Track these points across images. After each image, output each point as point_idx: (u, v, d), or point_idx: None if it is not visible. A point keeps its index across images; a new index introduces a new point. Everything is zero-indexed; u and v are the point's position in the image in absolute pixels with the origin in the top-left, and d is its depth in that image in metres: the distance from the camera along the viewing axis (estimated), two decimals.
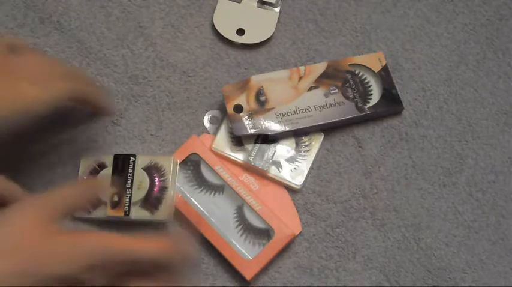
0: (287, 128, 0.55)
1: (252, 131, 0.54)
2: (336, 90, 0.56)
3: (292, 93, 0.56)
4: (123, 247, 0.40)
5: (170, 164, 0.53)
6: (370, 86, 0.57)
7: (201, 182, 0.55)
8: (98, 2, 0.60)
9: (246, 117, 0.54)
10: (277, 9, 0.61)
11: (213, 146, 0.55)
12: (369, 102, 0.57)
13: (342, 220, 0.55)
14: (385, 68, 0.58)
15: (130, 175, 0.52)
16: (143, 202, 0.52)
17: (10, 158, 0.54)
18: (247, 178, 0.55)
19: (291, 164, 0.55)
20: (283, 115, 0.55)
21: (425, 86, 0.60)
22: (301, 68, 0.58)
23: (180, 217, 0.53)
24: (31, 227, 0.39)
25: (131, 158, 0.53)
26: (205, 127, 0.57)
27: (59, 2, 0.60)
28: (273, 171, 0.55)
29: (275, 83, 0.56)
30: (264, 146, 0.55)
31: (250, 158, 0.54)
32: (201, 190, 0.55)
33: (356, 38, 0.61)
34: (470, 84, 0.60)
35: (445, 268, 0.55)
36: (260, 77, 0.57)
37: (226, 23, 0.60)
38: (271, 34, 0.60)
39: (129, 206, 0.51)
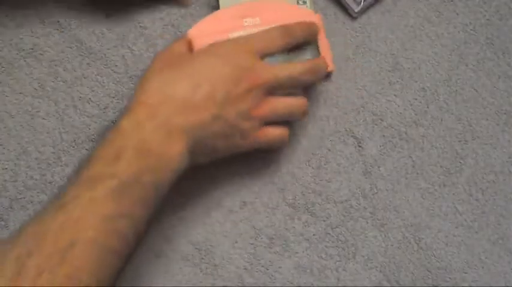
0: None
1: None
2: None
3: None
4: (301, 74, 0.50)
5: None
6: None
7: None
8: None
9: None
10: None
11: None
12: None
13: (342, 220, 0.55)
14: None
15: None
16: None
17: None
18: None
19: None
20: None
21: (425, 86, 0.60)
22: None
23: None
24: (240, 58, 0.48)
25: None
26: None
27: (59, 2, 0.60)
28: None
29: None
30: None
31: None
32: None
33: (356, 38, 0.61)
34: (470, 84, 0.60)
35: (445, 268, 0.55)
36: None
37: None
38: None
39: None
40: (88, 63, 0.58)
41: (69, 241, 0.38)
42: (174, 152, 0.44)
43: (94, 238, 0.39)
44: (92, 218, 0.39)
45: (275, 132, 0.51)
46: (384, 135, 0.58)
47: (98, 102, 0.57)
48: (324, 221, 0.55)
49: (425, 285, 0.54)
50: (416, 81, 0.60)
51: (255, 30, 0.51)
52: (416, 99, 0.59)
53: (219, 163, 0.53)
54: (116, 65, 0.58)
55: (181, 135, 0.44)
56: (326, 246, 0.55)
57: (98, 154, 0.43)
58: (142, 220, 0.43)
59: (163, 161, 0.44)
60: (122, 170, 0.41)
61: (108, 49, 0.59)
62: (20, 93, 0.57)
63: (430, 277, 0.54)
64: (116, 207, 0.40)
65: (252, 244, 0.55)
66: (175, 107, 0.45)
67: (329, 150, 0.57)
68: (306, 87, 0.54)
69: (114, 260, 0.41)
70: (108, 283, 0.40)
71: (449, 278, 0.55)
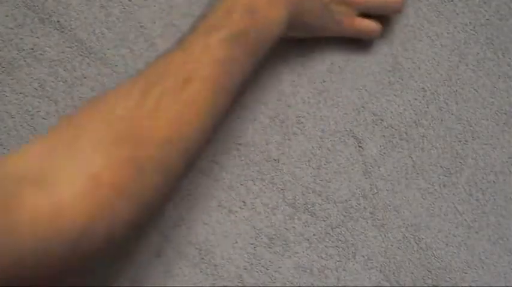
0: None
1: None
2: None
3: None
4: None
5: None
6: None
7: None
8: (98, 2, 0.60)
9: None
10: None
11: None
12: None
13: (342, 220, 0.56)
14: None
15: None
16: None
17: None
18: None
19: None
20: None
21: (425, 86, 0.60)
22: None
23: None
24: None
25: None
26: None
27: (59, 2, 0.60)
28: None
29: None
30: None
31: None
32: None
33: (356, 38, 0.61)
34: (470, 84, 0.60)
35: (445, 268, 0.55)
36: None
37: None
38: None
39: None
40: (88, 63, 0.58)
41: (188, 75, 0.45)
42: (275, 17, 0.51)
43: (209, 76, 0.46)
44: (208, 60, 0.46)
45: (368, 26, 0.58)
46: (384, 136, 0.58)
47: None
48: (324, 221, 0.55)
49: (425, 285, 0.54)
50: (416, 81, 0.60)
51: None
52: (416, 99, 0.60)
53: (218, 163, 0.53)
54: (116, 65, 0.59)
55: (282, 5, 0.51)
56: (326, 246, 0.55)
57: (212, 9, 0.50)
58: (248, 67, 0.50)
59: (267, 22, 0.50)
60: (232, 23, 0.48)
61: (108, 49, 0.59)
62: (20, 93, 0.57)
63: (430, 277, 0.54)
64: (227, 53, 0.47)
65: (252, 244, 0.55)
66: None
67: (329, 150, 0.57)
68: None
69: (225, 97, 0.47)
70: (221, 118, 0.48)
71: (449, 278, 0.55)
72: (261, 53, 0.51)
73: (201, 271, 0.54)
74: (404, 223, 0.56)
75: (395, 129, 0.58)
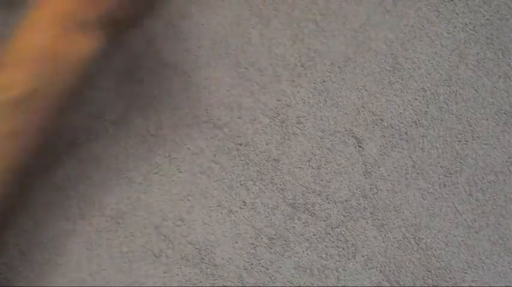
0: None
1: None
2: None
3: None
4: None
5: None
6: None
7: None
8: None
9: None
10: None
11: None
12: None
13: (342, 220, 0.56)
14: None
15: None
16: None
17: None
18: None
19: None
20: None
21: (425, 86, 0.60)
22: None
23: None
24: None
25: None
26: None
27: None
28: None
29: None
30: None
31: None
32: None
33: (356, 38, 0.61)
34: (470, 84, 0.60)
35: (445, 268, 0.55)
36: None
37: None
38: None
39: None
40: None
41: None
42: (85, 43, 0.40)
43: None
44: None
45: None
46: (384, 136, 0.58)
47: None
48: (324, 221, 0.55)
49: (425, 285, 0.54)
50: (416, 81, 0.60)
51: None
52: (416, 99, 0.60)
53: (218, 163, 0.53)
54: None
55: (89, 28, 0.40)
56: (326, 246, 0.55)
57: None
58: (54, 118, 0.41)
59: (73, 58, 0.40)
60: (22, 83, 0.38)
61: None
62: None
63: (430, 277, 0.54)
64: (17, 120, 0.39)
65: (252, 244, 0.55)
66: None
67: (329, 150, 0.57)
68: None
69: (20, 173, 0.40)
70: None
71: (449, 278, 0.55)
72: (71, 93, 0.41)
73: (201, 271, 0.54)
74: (404, 223, 0.56)
75: (396, 129, 0.58)
